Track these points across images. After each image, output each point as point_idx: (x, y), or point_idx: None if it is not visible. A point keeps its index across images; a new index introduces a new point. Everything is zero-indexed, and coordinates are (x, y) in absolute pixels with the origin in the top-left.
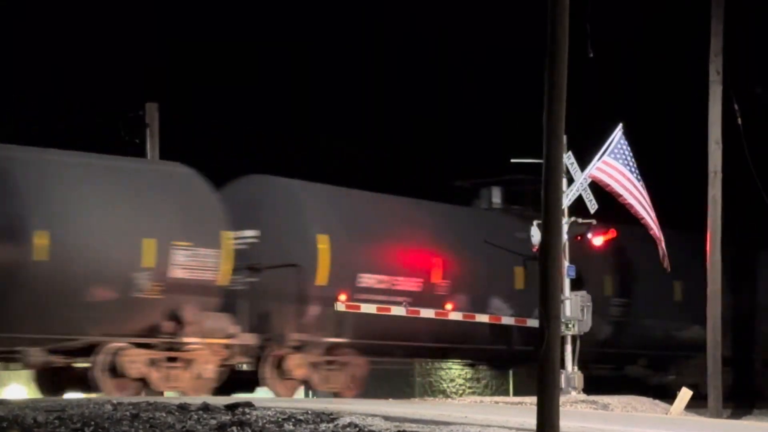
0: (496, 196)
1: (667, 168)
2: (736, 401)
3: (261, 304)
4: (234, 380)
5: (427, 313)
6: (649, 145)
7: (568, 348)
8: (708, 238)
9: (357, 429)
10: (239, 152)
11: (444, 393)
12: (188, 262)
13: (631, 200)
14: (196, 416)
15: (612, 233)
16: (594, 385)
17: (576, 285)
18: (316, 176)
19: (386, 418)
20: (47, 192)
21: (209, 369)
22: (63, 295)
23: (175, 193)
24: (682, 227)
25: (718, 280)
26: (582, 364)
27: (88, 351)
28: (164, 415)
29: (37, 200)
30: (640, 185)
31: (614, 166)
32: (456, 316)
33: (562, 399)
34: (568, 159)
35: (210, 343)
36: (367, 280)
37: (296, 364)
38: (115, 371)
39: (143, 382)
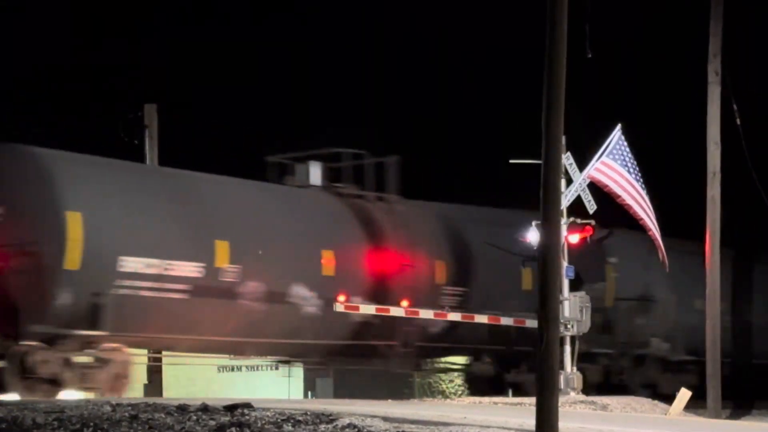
0: (315, 173)
1: (666, 168)
2: (735, 401)
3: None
4: None
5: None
6: (648, 145)
7: (567, 349)
8: (707, 238)
9: (356, 430)
10: (240, 152)
11: (443, 394)
12: None
13: (629, 201)
14: (195, 417)
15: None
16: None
17: (406, 271)
18: None
19: (385, 419)
20: None
21: None
22: None
23: None
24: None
25: (717, 281)
26: (416, 362)
27: None
28: (163, 416)
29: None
30: (638, 186)
31: (612, 167)
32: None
33: (561, 400)
34: (567, 159)
35: None
36: (132, 264)
37: (40, 360)
38: None
39: None
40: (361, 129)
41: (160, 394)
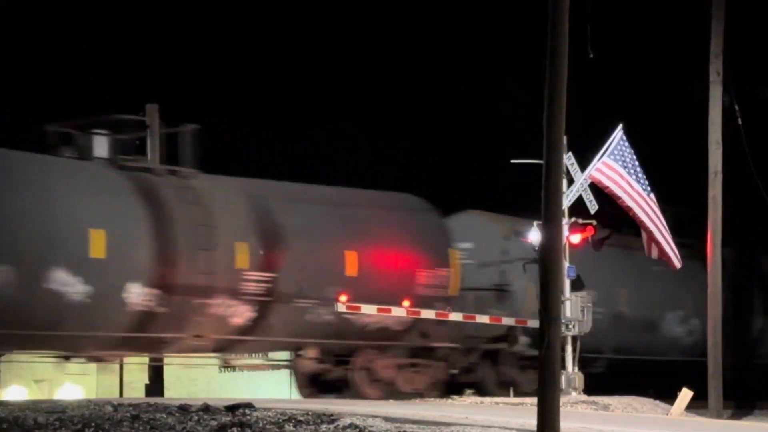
0: (100, 145)
1: (667, 168)
2: (737, 402)
3: None
4: None
5: None
6: (649, 146)
7: (569, 349)
8: (708, 238)
9: (357, 430)
10: (239, 152)
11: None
12: None
13: (629, 203)
14: (196, 417)
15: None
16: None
17: (203, 248)
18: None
19: (387, 419)
20: None
21: None
22: None
23: None
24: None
25: (719, 281)
26: (224, 362)
27: None
28: (165, 416)
29: None
30: (640, 188)
31: (613, 168)
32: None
33: (563, 400)
34: (568, 160)
35: None
36: None
37: None
38: None
39: None
40: (361, 129)
41: (161, 394)
